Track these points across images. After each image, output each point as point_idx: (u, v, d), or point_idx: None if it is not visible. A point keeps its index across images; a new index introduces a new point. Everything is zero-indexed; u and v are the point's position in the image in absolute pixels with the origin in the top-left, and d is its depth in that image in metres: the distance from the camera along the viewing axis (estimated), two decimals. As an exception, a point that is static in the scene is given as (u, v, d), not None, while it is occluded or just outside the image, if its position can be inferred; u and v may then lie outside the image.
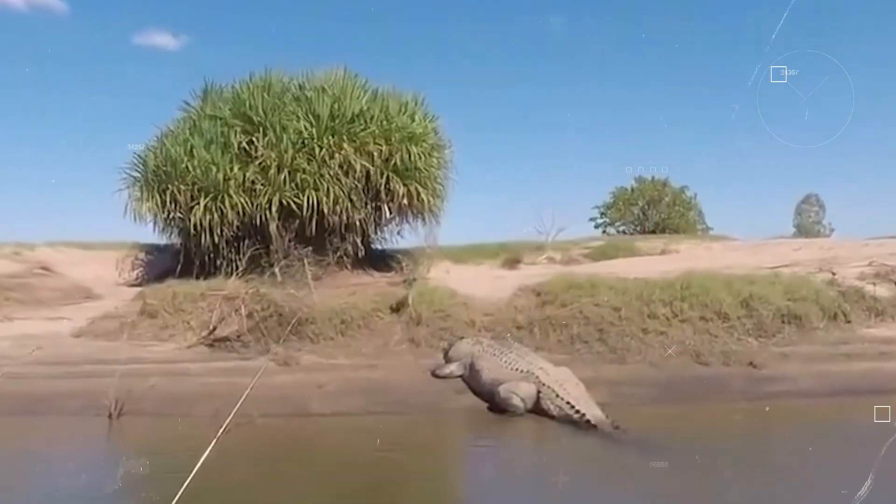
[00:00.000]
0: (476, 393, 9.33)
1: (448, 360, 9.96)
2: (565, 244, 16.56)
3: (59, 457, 7.95)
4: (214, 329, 10.92)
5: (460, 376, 9.61)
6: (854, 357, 10.37)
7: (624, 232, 25.31)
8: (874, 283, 12.06)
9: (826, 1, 49.49)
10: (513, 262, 15.31)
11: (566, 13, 54.69)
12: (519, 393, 8.67)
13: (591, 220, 27.28)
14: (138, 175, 14.07)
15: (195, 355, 10.65)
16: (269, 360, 10.23)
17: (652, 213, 25.72)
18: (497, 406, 8.84)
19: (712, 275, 11.76)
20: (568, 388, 8.55)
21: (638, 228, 25.29)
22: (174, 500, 3.64)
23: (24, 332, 11.86)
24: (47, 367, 10.60)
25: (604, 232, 26.03)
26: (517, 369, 8.94)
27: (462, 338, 10.28)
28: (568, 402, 8.29)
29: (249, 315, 10.73)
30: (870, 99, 50.22)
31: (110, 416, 8.91)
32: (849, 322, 11.24)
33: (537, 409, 8.64)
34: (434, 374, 9.79)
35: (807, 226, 29.78)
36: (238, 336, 10.69)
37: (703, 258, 14.09)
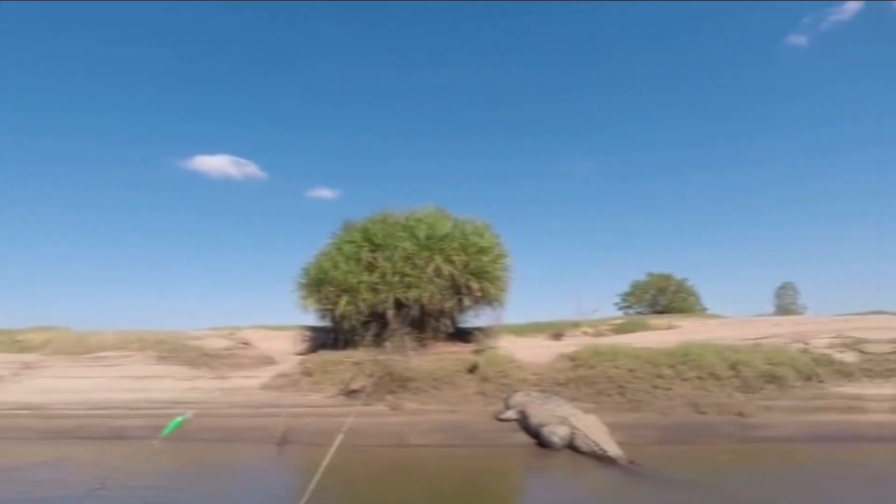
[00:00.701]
0: (527, 432, 8.86)
1: (507, 407, 9.52)
2: (596, 322, 15.54)
3: (243, 469, 8.20)
4: (349, 384, 10.79)
5: (516, 420, 9.16)
6: (827, 410, 9.20)
7: (640, 312, 23.80)
8: (842, 351, 10.62)
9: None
10: (557, 335, 14.48)
11: (594, 159, 54.87)
12: (558, 433, 8.34)
13: (616, 303, 26.04)
14: (304, 281, 14.29)
15: (335, 402, 10.82)
16: (384, 406, 9.91)
17: (661, 298, 24.14)
18: (542, 443, 8.49)
19: (706, 344, 10.87)
20: (594, 430, 8.19)
21: (650, 310, 23.69)
22: (304, 497, 3.37)
23: (230, 386, 12.21)
24: (241, 409, 10.80)
25: (625, 312, 24.52)
26: (556, 415, 8.61)
27: (516, 391, 9.85)
28: (594, 441, 7.95)
29: (370, 375, 10.53)
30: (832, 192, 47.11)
31: (278, 443, 9.12)
32: (821, 382, 10.02)
33: (572, 446, 8.20)
34: (497, 418, 9.38)
35: (784, 306, 27.05)
36: (364, 389, 10.46)
37: (700, 332, 12.86)
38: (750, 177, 51.61)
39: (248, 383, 12.02)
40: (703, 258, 51.50)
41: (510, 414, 9.21)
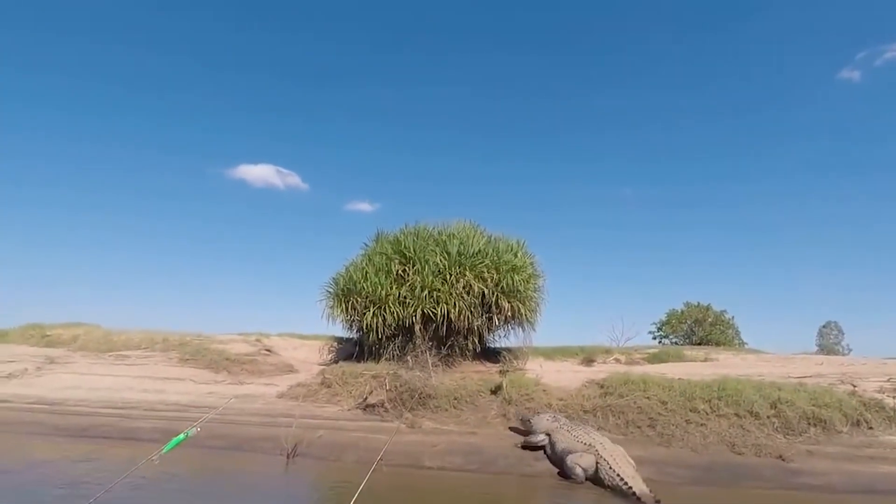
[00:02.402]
0: (550, 460, 8.52)
1: (526, 427, 9.22)
2: (629, 350, 15.12)
3: (245, 480, 7.96)
4: (366, 398, 10.67)
5: (542, 447, 8.74)
6: (877, 460, 8.49)
7: (675, 342, 23.01)
8: (894, 397, 9.90)
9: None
10: (588, 361, 14.12)
11: (634, 185, 54.27)
12: (581, 464, 7.89)
13: (650, 332, 25.24)
14: (332, 291, 14.31)
15: (352, 416, 10.67)
16: (401, 423, 9.76)
17: (697, 329, 23.33)
18: (564, 472, 8.06)
19: (745, 380, 10.33)
20: (621, 462, 7.72)
21: (687, 341, 22.92)
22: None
23: (247, 393, 12.22)
24: (257, 417, 10.76)
25: (659, 342, 23.77)
26: (583, 442, 8.17)
27: (539, 412, 9.49)
28: (619, 475, 7.46)
29: (389, 389, 10.35)
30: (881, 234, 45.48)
31: (288, 456, 8.95)
32: (871, 428, 9.34)
33: (595, 479, 7.78)
34: (524, 446, 8.88)
35: (828, 346, 25.85)
36: (382, 404, 10.44)
37: (738, 366, 12.35)
38: (796, 212, 50.23)
39: (265, 391, 12.05)
40: (744, 291, 49.83)
41: (540, 439, 8.72)
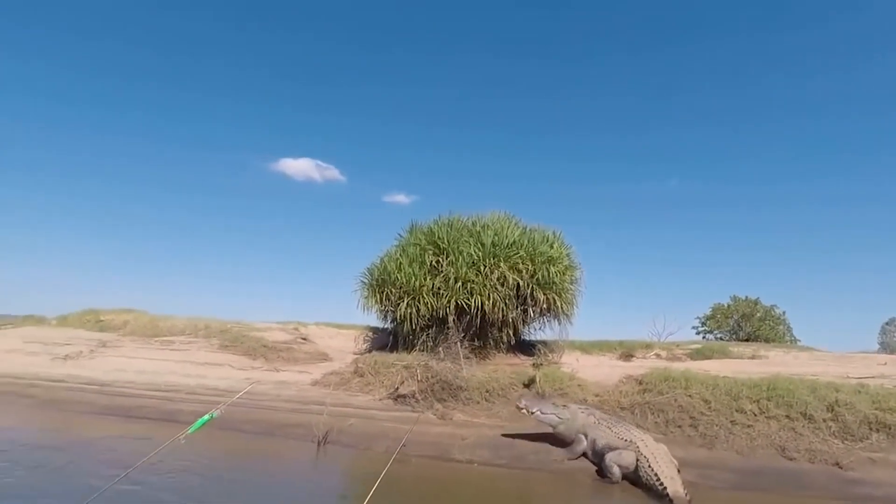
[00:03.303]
0: (587, 457, 8.05)
1: (551, 423, 8.33)
2: (670, 345, 14.35)
3: (275, 466, 7.97)
4: (397, 388, 10.44)
5: (583, 454, 8.06)
6: None
7: (720, 338, 21.70)
8: None
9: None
10: (627, 356, 13.47)
11: (680, 177, 52.39)
12: (622, 462, 7.40)
13: (693, 327, 23.91)
14: (366, 282, 14.19)
15: (383, 405, 10.49)
16: (431, 414, 9.49)
17: (745, 325, 21.95)
18: (601, 471, 7.64)
19: (798, 379, 9.47)
20: (661, 461, 7.19)
21: (733, 337, 21.61)
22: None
23: (282, 380, 12.23)
24: (290, 404, 10.74)
25: (703, 338, 22.54)
26: (624, 439, 7.69)
27: (567, 405, 8.70)
28: (656, 474, 6.99)
29: (420, 380, 10.08)
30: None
31: (318, 443, 8.89)
32: None
33: (633, 478, 7.32)
34: (569, 458, 8.12)
35: (891, 344, 23.90)
36: (413, 394, 10.18)
37: (789, 365, 11.45)
38: (855, 201, 47.19)
39: (300, 378, 12.04)
40: (796, 285, 47.30)
41: (585, 446, 7.96)
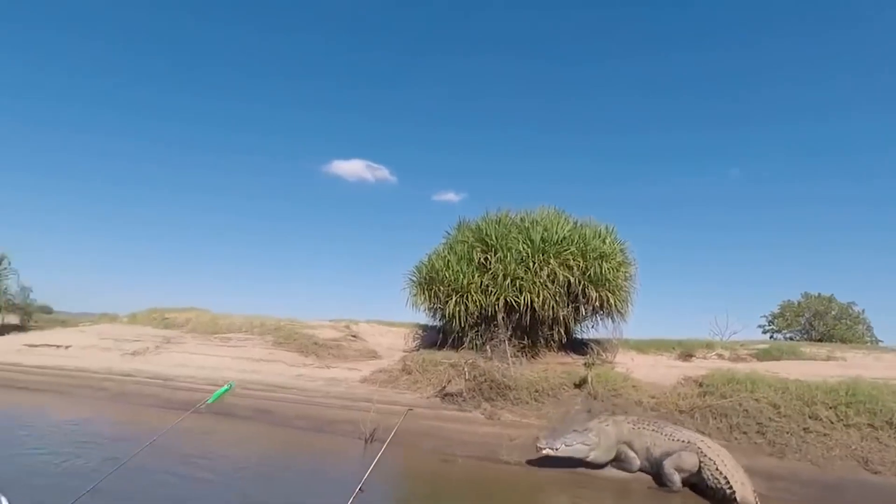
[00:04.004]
0: (643, 469, 7.41)
1: (561, 440, 7.36)
2: (734, 344, 13.40)
3: (322, 462, 8.01)
4: (444, 387, 10.25)
5: (640, 469, 7.38)
6: None
7: (790, 338, 20.11)
8: None
9: None
10: (686, 356, 12.68)
11: (742, 167, 49.78)
12: (684, 465, 6.85)
13: (759, 326, 22.31)
14: (415, 279, 14.11)
15: (430, 403, 10.37)
16: (479, 413, 9.23)
17: (818, 324, 20.25)
18: (659, 479, 7.05)
19: (883, 384, 8.52)
20: (728, 463, 6.65)
21: (804, 337, 19.99)
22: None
23: (332, 376, 12.29)
24: (338, 400, 10.76)
25: (770, 337, 20.99)
26: (680, 440, 7.11)
27: (586, 429, 7.55)
28: (724, 477, 6.44)
29: (468, 379, 9.86)
30: None
31: (366, 440, 8.85)
32: None
33: (695, 483, 6.81)
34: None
35: None
36: (460, 393, 9.96)
37: (871, 367, 10.41)
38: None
39: (349, 375, 12.08)
40: (876, 281, 43.66)
41: (636, 463, 7.26)
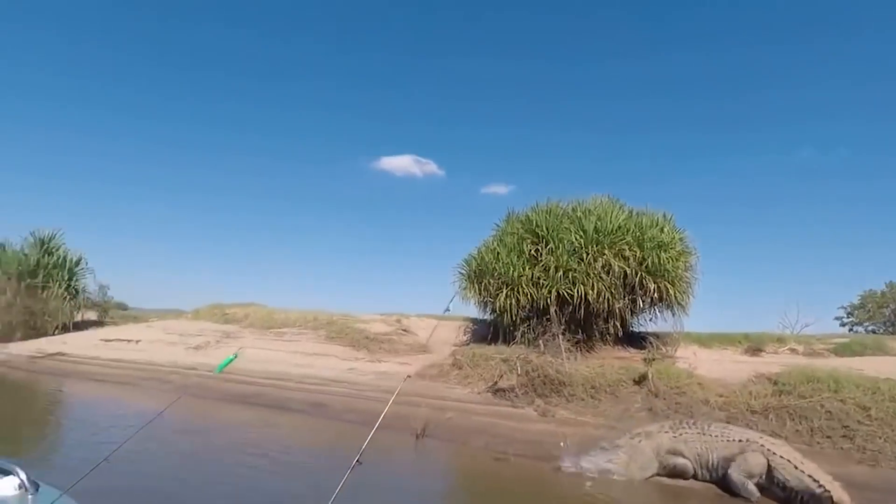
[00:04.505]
0: (697, 477, 6.58)
1: (599, 457, 6.75)
2: (808, 338, 12.37)
3: (375, 458, 7.80)
4: (496, 382, 9.93)
5: (694, 475, 6.57)
6: None
7: (873, 332, 18.44)
8: None
9: None
10: (754, 350, 11.80)
11: (815, 146, 46.35)
12: (752, 470, 6.06)
13: (836, 318, 20.61)
14: (465, 273, 13.91)
15: (481, 399, 10.08)
16: (531, 409, 8.90)
17: (906, 316, 18.51)
18: (726, 486, 6.24)
19: None
20: (806, 461, 5.92)
21: (888, 330, 18.28)
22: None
23: (383, 371, 12.19)
24: (389, 395, 10.37)
25: (850, 330, 19.35)
26: (735, 439, 6.31)
27: (617, 444, 6.85)
28: (811, 476, 5.66)
29: (520, 374, 9.51)
30: None
31: (417, 436, 8.62)
32: None
33: (767, 486, 6.03)
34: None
35: None
36: (512, 389, 9.64)
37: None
38: None
39: (400, 369, 11.97)
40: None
41: (688, 469, 6.46)
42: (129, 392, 12.31)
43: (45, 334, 19.21)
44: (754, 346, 12.02)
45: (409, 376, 8.22)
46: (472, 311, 14.67)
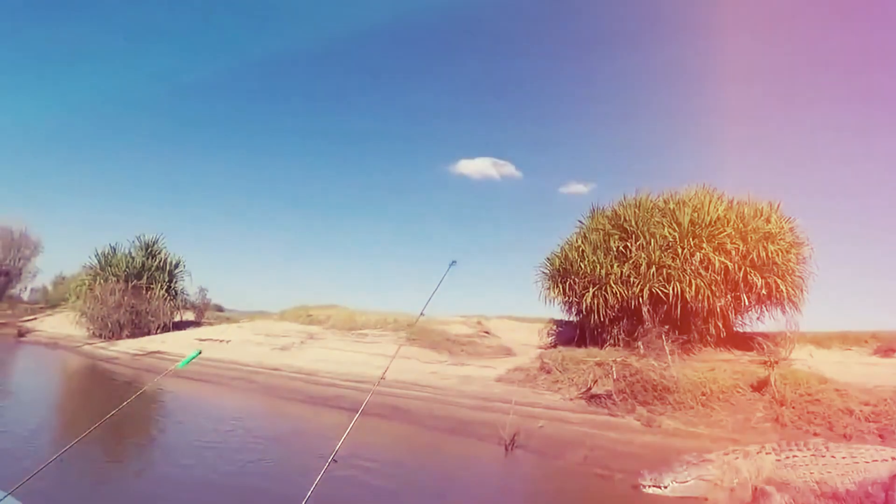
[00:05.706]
0: None
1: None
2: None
3: (464, 473, 7.18)
4: (590, 388, 9.03)
5: None
6: None
7: None
8: None
9: None
10: (886, 351, 10.13)
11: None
12: None
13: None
14: (548, 272, 13.19)
15: (575, 406, 9.14)
16: (633, 419, 7.95)
17: None
18: None
19: None
20: None
21: None
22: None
23: (466, 374, 11.60)
24: (473, 400, 10.01)
25: None
26: (880, 459, 4.92)
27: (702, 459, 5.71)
28: None
29: (617, 379, 8.56)
30: None
31: (506, 447, 7.70)
32: None
33: None
34: None
35: None
36: (609, 395, 8.67)
37: None
38: None
39: (483, 373, 11.30)
40: None
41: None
42: (219, 391, 12.44)
43: (147, 333, 20.26)
44: (886, 346, 10.35)
45: (380, 380, 7.34)
46: (556, 312, 13.89)
